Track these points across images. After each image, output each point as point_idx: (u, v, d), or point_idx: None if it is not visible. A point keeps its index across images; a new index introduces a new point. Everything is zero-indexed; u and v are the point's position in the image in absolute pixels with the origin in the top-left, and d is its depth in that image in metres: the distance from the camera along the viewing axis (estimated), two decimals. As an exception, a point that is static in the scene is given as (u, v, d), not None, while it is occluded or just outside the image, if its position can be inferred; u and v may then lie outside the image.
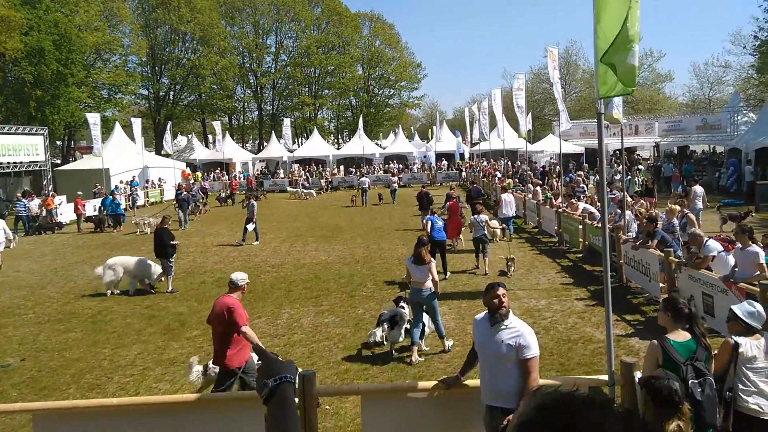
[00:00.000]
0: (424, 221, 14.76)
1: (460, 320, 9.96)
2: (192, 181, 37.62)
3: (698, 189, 17.67)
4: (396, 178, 35.53)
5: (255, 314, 10.91)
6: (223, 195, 33.93)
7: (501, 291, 4.39)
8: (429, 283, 8.29)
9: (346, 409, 6.63)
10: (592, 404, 1.11)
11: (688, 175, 29.18)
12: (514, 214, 18.86)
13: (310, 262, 15.70)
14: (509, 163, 36.76)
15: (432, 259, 8.56)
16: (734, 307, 4.80)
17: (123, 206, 26.36)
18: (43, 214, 25.77)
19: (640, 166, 30.12)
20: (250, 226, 18.80)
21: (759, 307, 4.75)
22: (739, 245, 8.45)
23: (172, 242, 13.08)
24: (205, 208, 29.37)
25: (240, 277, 6.66)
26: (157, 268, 13.13)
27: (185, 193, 24.53)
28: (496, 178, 28.39)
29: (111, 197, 25.49)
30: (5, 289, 14.19)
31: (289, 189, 38.56)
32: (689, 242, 9.93)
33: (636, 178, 23.86)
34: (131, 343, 9.61)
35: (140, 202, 32.72)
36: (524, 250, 16.49)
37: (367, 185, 31.03)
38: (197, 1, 55.09)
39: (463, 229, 16.67)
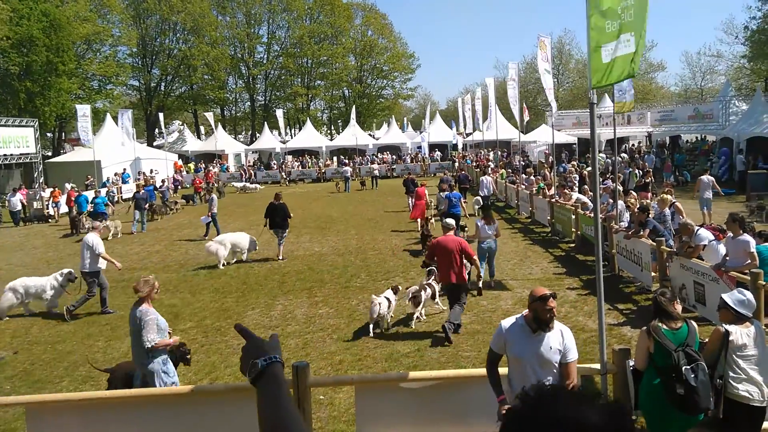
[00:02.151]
0: (443, 197, 16.37)
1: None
2: (162, 176, 34.61)
3: (705, 178, 17.22)
4: (376, 166, 38.23)
5: (249, 306, 10.90)
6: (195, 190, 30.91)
7: (554, 303, 4.16)
8: (493, 236, 11.41)
9: (340, 400, 6.65)
10: (575, 396, 1.16)
11: (680, 165, 29.28)
12: (490, 194, 21.43)
13: (303, 253, 15.68)
14: (503, 154, 36.74)
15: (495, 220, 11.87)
16: (725, 296, 4.84)
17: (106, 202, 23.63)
18: (36, 206, 25.75)
19: (623, 154, 29.84)
20: (204, 219, 18.30)
21: (749, 295, 4.80)
22: (730, 234, 8.51)
23: (288, 217, 15.05)
24: (176, 207, 26.54)
25: (451, 222, 9.56)
26: (253, 244, 14.92)
27: (142, 191, 22.27)
28: (489, 168, 28.45)
29: (94, 193, 23.94)
30: (-3, 282, 14.10)
31: (234, 185, 36.81)
32: (680, 231, 9.99)
33: (636, 170, 23.37)
34: (124, 335, 9.55)
35: (126, 196, 32.05)
36: (517, 240, 16.54)
37: (349, 174, 34.47)
38: (187, -9, 54.64)
39: (426, 211, 17.64)
